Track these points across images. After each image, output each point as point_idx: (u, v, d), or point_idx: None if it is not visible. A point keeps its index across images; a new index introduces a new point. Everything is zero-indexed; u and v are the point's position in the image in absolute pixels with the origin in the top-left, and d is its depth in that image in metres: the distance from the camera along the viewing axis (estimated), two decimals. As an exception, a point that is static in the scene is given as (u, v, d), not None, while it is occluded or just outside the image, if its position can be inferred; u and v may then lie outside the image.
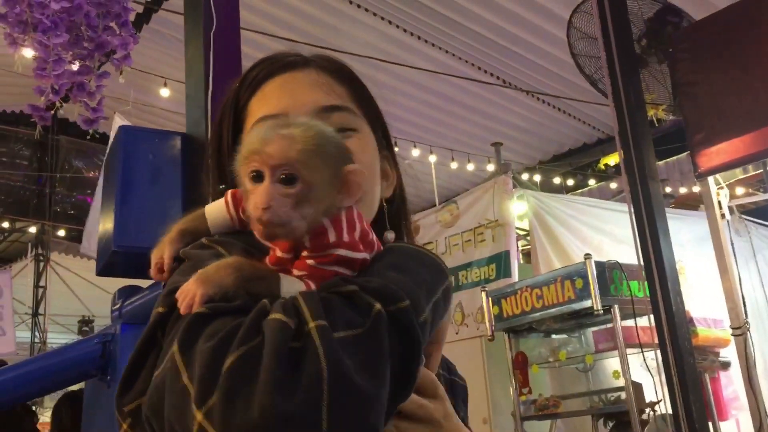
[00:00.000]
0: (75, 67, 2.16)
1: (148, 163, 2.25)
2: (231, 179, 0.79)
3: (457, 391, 0.97)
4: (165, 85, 7.18)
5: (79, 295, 10.28)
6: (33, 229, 9.87)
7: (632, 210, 3.47)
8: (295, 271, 0.68)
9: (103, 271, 2.32)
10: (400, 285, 0.65)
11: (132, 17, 2.48)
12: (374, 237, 0.75)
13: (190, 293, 0.65)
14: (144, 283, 2.26)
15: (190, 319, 0.63)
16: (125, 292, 2.31)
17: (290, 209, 0.67)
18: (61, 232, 9.76)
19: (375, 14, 6.77)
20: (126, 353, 1.81)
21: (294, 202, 0.67)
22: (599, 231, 5.76)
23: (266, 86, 0.90)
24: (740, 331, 3.85)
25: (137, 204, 2.18)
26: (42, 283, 10.05)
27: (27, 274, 10.12)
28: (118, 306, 2.28)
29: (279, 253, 0.71)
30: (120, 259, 2.20)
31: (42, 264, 10.02)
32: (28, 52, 7.30)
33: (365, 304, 0.61)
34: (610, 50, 3.59)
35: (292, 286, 0.67)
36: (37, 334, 10.15)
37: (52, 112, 2.28)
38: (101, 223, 2.39)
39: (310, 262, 0.68)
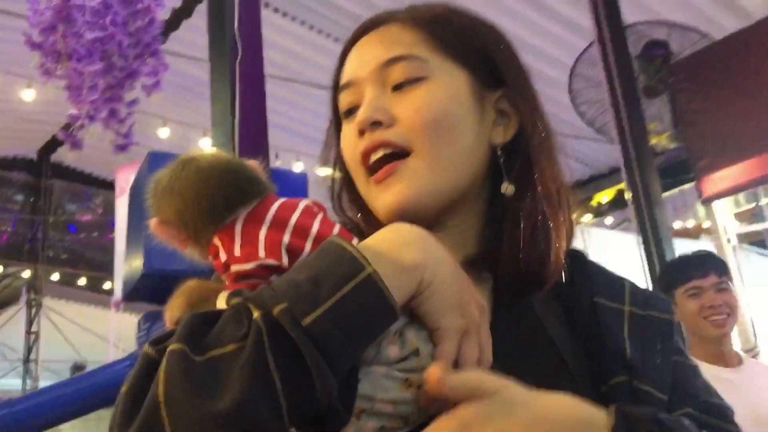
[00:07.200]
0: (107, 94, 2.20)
1: (175, 188, 2.29)
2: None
3: (651, 329, 0.79)
4: (164, 125, 7.25)
5: (71, 341, 10.14)
6: (26, 274, 9.78)
7: (641, 238, 3.58)
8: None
9: (129, 296, 2.35)
10: (284, 286, 0.59)
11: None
12: (305, 237, 0.67)
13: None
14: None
15: None
16: (152, 317, 2.33)
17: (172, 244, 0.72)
18: (55, 276, 9.68)
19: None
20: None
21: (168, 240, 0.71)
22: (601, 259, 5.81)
23: (349, 56, 0.86)
24: (751, 353, 3.89)
25: (166, 228, 2.22)
26: (34, 329, 9.90)
27: (19, 319, 9.98)
28: (145, 329, 2.29)
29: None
30: (148, 282, 2.23)
31: (34, 310, 9.89)
32: (29, 95, 7.26)
33: (247, 315, 0.58)
34: (614, 89, 3.74)
35: (221, 304, 0.66)
36: (28, 381, 9.95)
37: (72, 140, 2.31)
38: (128, 249, 2.41)
39: (226, 282, 0.68)
